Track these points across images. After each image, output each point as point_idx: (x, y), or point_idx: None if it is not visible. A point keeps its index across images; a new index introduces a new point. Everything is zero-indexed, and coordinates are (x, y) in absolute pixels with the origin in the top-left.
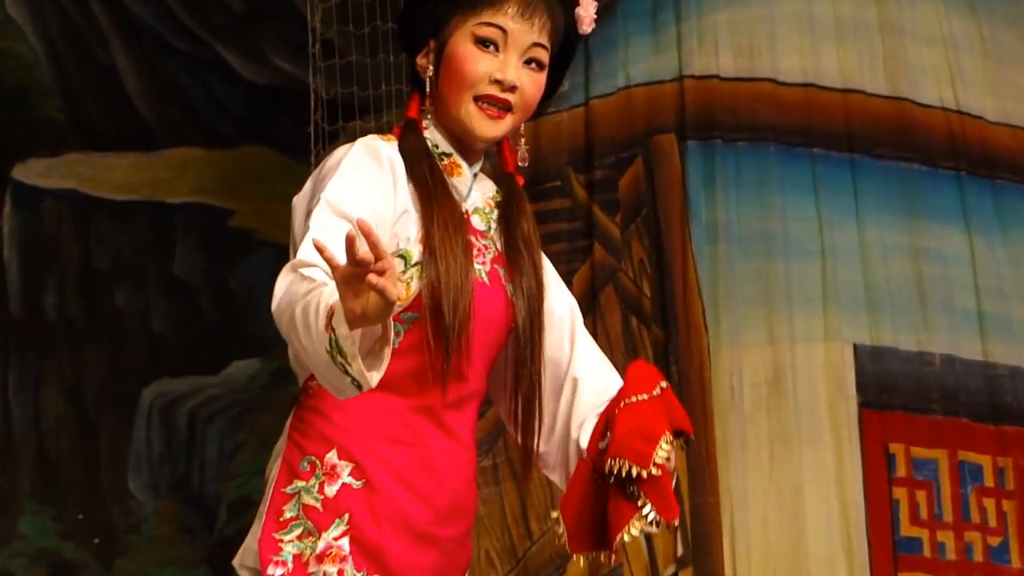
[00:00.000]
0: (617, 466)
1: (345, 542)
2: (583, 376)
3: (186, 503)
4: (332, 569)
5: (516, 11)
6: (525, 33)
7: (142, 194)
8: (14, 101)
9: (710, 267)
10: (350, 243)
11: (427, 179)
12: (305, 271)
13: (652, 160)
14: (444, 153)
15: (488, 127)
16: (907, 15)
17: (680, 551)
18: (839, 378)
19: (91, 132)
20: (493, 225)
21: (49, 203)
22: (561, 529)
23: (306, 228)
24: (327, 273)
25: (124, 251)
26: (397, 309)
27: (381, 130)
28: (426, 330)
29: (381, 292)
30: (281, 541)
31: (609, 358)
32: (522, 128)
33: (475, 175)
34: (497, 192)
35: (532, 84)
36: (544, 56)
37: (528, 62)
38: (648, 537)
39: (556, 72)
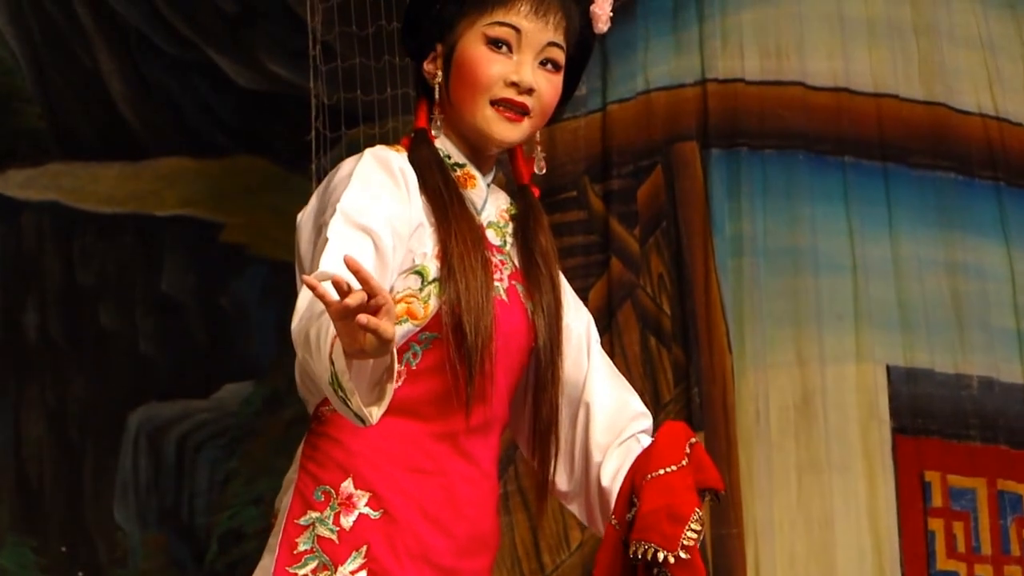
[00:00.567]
0: (642, 549)
1: None
2: (596, 400)
3: (175, 535)
4: None
5: (529, 9)
6: (539, 32)
7: (128, 207)
8: None
9: (734, 283)
10: (339, 286)
11: (442, 191)
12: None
13: (672, 169)
14: (457, 164)
15: (507, 130)
16: (943, 15)
17: None
18: (871, 402)
19: (74, 141)
20: (508, 240)
21: (29, 216)
22: None
23: (323, 240)
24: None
25: (109, 267)
26: (414, 328)
27: (386, 137)
28: (447, 351)
29: (375, 332)
30: (295, 575)
31: (627, 380)
32: (538, 135)
33: (489, 186)
34: (511, 205)
35: (549, 86)
36: (560, 56)
37: (544, 63)
38: None
39: (572, 75)
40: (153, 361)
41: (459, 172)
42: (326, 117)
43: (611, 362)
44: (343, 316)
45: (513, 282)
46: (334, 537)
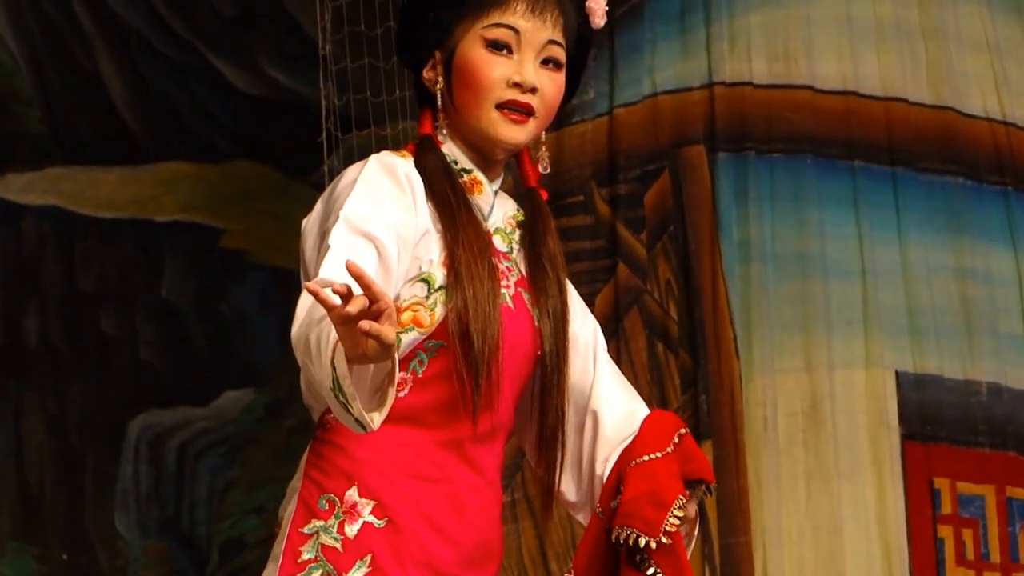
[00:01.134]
0: (624, 535)
1: None
2: (603, 408)
3: (176, 544)
4: None
5: (525, 8)
6: (538, 31)
7: (129, 212)
8: None
9: (742, 288)
10: (340, 291)
11: (449, 197)
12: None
13: (679, 173)
14: (464, 169)
15: (512, 132)
16: (950, 18)
17: None
18: (880, 408)
19: (74, 144)
20: (515, 246)
21: (30, 221)
22: None
23: (325, 247)
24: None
25: (110, 273)
26: (421, 336)
27: (397, 139)
28: (454, 359)
29: (376, 337)
30: None
31: (634, 387)
32: (543, 135)
33: (496, 192)
34: (518, 211)
35: (552, 85)
36: (561, 54)
37: (545, 62)
38: None
39: (574, 72)
40: (153, 368)
41: (466, 178)
42: (337, 119)
43: (618, 369)
44: (345, 322)
45: (519, 289)
46: (338, 546)
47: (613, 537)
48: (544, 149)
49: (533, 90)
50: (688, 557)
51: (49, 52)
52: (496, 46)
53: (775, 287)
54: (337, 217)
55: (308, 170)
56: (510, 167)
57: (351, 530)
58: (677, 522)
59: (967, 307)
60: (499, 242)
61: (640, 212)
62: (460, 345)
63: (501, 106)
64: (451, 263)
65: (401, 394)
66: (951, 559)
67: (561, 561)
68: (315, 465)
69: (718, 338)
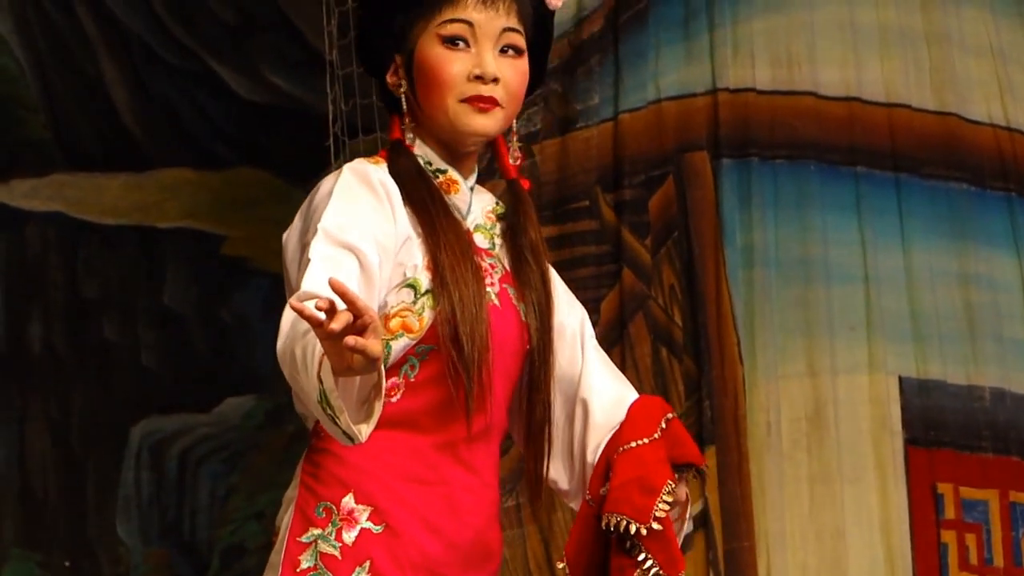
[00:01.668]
0: (614, 521)
1: None
2: (593, 396)
3: (177, 549)
4: None
5: (476, 0)
6: (491, 20)
7: (132, 218)
8: None
9: (745, 294)
10: (325, 308)
11: (427, 201)
12: (310, 304)
13: (683, 179)
14: (439, 170)
15: (480, 120)
16: (953, 23)
17: None
18: (884, 413)
19: (78, 151)
20: (497, 241)
21: (34, 227)
22: None
23: (306, 260)
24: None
25: (112, 279)
26: (411, 342)
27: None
28: (445, 363)
29: (362, 352)
30: None
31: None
32: (514, 125)
33: (472, 189)
34: (497, 204)
35: (514, 72)
36: (519, 40)
37: (504, 50)
38: None
39: (538, 57)
40: (155, 374)
41: (441, 178)
42: (344, 124)
43: (606, 356)
44: (329, 337)
45: (504, 285)
46: (337, 553)
47: (603, 524)
48: (514, 139)
49: (495, 80)
50: (681, 541)
51: (53, 58)
52: (452, 41)
53: (778, 292)
54: (316, 230)
55: (310, 177)
56: (483, 157)
57: (349, 537)
58: (667, 507)
59: (970, 312)
60: (480, 239)
61: (645, 217)
62: (450, 349)
63: (465, 101)
64: (435, 268)
65: (394, 399)
66: (954, 564)
67: None
68: (310, 473)
69: (722, 343)
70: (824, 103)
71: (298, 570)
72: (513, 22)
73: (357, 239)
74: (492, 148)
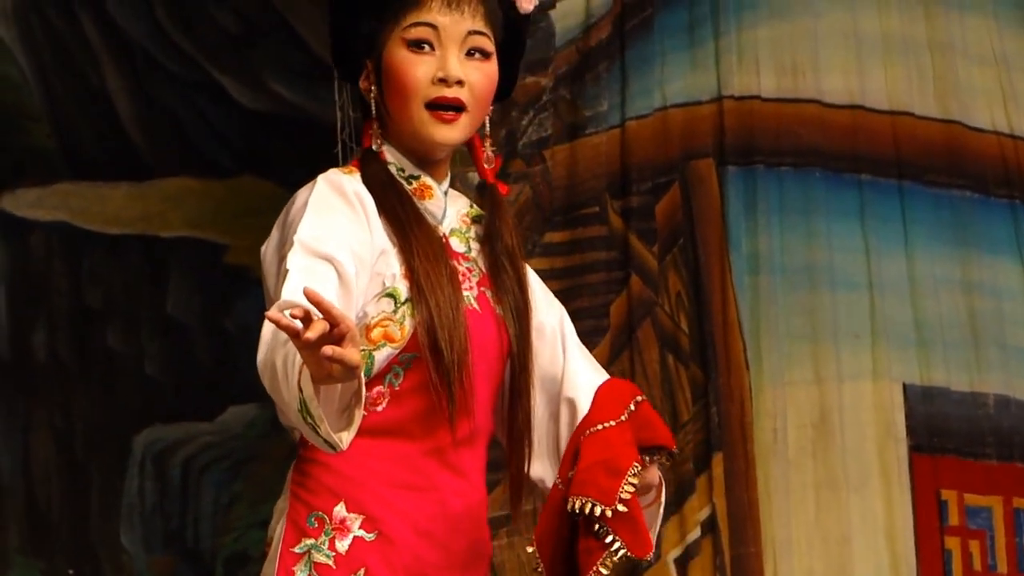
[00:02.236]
0: (580, 503)
1: None
2: (579, 395)
3: (180, 557)
4: None
5: (441, 4)
6: (456, 23)
7: (135, 228)
8: (1, 126)
9: (751, 300)
10: (300, 317)
11: (398, 210)
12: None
13: (689, 186)
14: (412, 176)
15: (444, 132)
16: (957, 31)
17: None
18: (888, 420)
19: (82, 160)
20: (473, 244)
21: (39, 236)
22: (539, 564)
23: (283, 273)
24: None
25: (116, 289)
26: (394, 351)
27: None
28: (427, 370)
29: (340, 361)
30: None
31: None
32: (487, 127)
33: (446, 193)
34: (472, 207)
35: (480, 75)
36: (486, 43)
37: (471, 53)
38: None
39: (510, 61)
40: (158, 383)
41: (415, 184)
42: (352, 131)
43: (588, 352)
44: (307, 347)
45: (482, 288)
46: (331, 563)
47: (569, 507)
48: (489, 142)
49: (460, 83)
50: (657, 526)
51: (57, 67)
52: (417, 45)
53: (783, 299)
54: (293, 243)
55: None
56: (462, 155)
57: (342, 546)
58: (632, 489)
59: (974, 320)
60: (456, 243)
61: (652, 224)
62: (430, 356)
63: (430, 105)
64: (411, 276)
65: (380, 408)
66: (958, 570)
67: None
68: (300, 484)
69: (728, 350)
70: (828, 111)
71: None
72: (480, 25)
73: (334, 250)
74: (469, 151)
